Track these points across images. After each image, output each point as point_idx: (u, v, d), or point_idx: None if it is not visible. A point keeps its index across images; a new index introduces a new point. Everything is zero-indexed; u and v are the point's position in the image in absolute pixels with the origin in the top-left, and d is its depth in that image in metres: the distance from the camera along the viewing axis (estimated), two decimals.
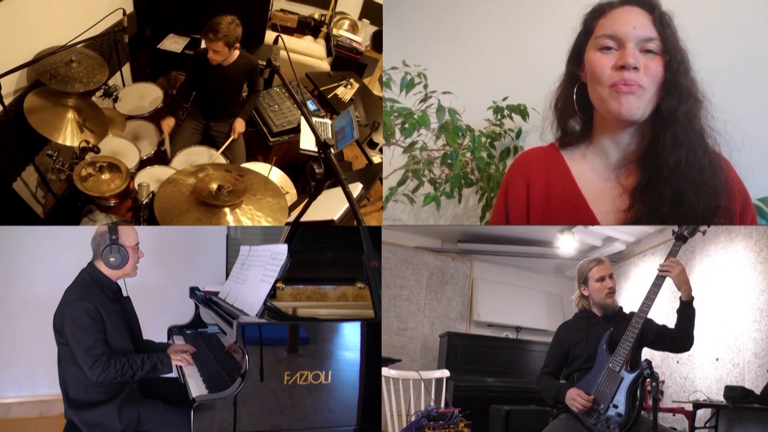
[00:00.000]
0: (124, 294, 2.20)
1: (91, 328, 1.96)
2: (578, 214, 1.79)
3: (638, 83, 1.63)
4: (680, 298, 2.01)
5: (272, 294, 2.46)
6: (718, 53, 2.13)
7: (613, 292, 2.20)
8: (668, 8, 1.71)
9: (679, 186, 1.63)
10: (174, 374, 2.31)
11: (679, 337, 2.03)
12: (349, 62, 4.70)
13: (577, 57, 1.81)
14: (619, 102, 1.65)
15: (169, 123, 3.27)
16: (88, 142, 2.73)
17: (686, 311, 2.00)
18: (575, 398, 1.99)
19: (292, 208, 2.80)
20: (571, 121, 1.88)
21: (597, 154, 1.83)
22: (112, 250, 2.06)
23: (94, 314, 1.97)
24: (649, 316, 2.05)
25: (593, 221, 1.77)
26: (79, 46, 2.88)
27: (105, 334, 2.00)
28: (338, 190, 1.63)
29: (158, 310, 2.94)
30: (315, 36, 4.87)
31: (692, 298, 2.00)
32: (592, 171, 1.82)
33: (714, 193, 1.64)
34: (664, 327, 2.09)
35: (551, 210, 1.84)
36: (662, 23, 1.67)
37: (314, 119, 3.68)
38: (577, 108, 1.82)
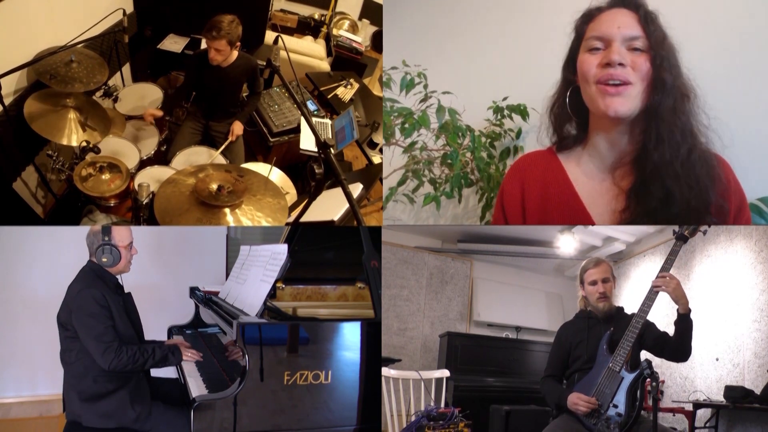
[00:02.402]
0: (125, 291, 2.22)
1: (100, 315, 1.98)
2: (575, 216, 1.80)
3: (626, 78, 1.65)
4: (677, 310, 2.01)
5: (272, 294, 2.46)
6: (711, 52, 2.15)
7: (605, 297, 2.20)
8: (654, 7, 1.73)
9: (666, 183, 1.64)
10: (174, 374, 2.31)
11: (677, 348, 2.04)
12: (349, 62, 4.70)
13: (571, 63, 1.83)
14: (605, 101, 1.67)
15: (155, 113, 3.29)
16: (88, 142, 2.73)
17: (684, 324, 2.00)
18: (577, 402, 1.99)
19: (292, 208, 2.80)
20: (567, 126, 1.90)
21: (593, 155, 1.84)
22: (104, 250, 2.10)
23: (102, 302, 2.00)
24: (650, 317, 2.05)
25: (590, 223, 1.79)
26: (79, 46, 2.88)
27: (113, 321, 2.02)
28: (338, 191, 1.63)
29: (158, 310, 2.94)
30: (315, 36, 4.87)
31: (689, 310, 1.99)
32: (589, 173, 1.84)
33: (704, 191, 1.64)
34: (664, 334, 2.09)
35: (548, 213, 1.85)
36: (647, 21, 1.70)
37: (314, 119, 3.68)
38: (571, 111, 1.84)
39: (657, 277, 2.01)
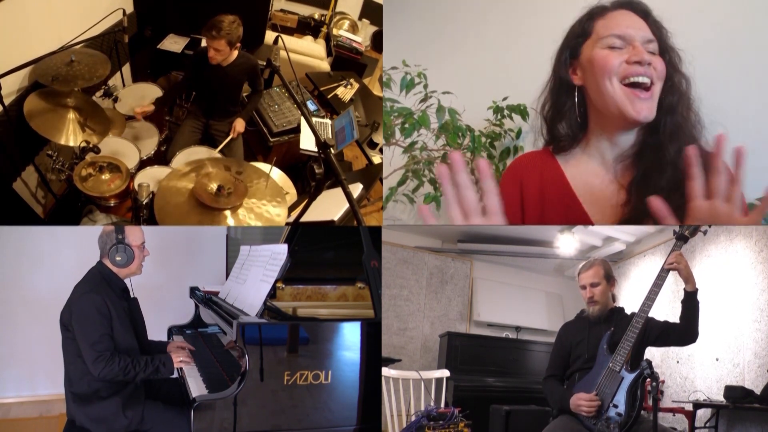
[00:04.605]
0: (132, 295, 2.21)
1: (98, 323, 1.97)
2: (572, 215, 1.80)
3: (652, 77, 1.67)
4: (685, 289, 2.03)
5: (272, 294, 2.46)
6: (707, 51, 2.15)
7: (593, 302, 2.23)
8: (657, 14, 1.77)
9: (676, 174, 1.65)
10: (174, 374, 2.31)
11: (683, 330, 2.05)
12: (349, 62, 4.70)
13: (568, 59, 1.81)
14: (635, 106, 1.67)
15: (144, 110, 3.20)
16: (88, 142, 2.73)
17: (691, 302, 2.03)
18: (580, 404, 1.99)
19: (292, 208, 2.80)
20: (559, 126, 1.88)
21: (593, 155, 1.83)
22: (119, 249, 2.09)
23: (102, 308, 1.98)
24: (650, 315, 2.05)
25: (587, 222, 1.79)
26: (79, 46, 2.88)
27: (111, 329, 2.00)
28: (338, 191, 1.63)
29: (158, 310, 2.93)
30: (315, 36, 4.87)
31: (697, 289, 2.02)
32: (587, 171, 1.83)
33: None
34: (666, 322, 2.11)
35: (546, 212, 1.84)
36: (657, 27, 1.74)
37: (314, 119, 3.68)
38: (578, 111, 1.83)
39: (669, 255, 2.03)
